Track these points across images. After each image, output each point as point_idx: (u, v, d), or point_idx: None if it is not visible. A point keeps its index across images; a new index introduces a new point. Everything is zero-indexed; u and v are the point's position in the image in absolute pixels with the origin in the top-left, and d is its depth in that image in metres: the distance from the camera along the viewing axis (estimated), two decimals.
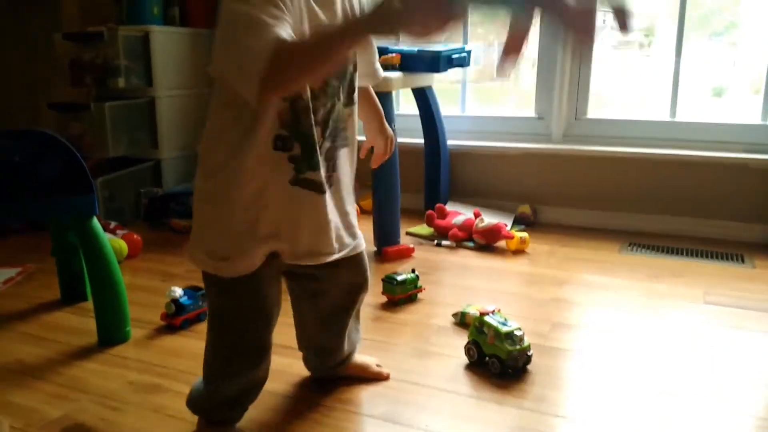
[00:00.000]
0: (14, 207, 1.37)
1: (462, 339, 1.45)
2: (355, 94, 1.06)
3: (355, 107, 1.07)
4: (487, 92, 3.09)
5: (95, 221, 1.48)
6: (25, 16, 3.32)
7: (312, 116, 0.96)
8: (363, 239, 1.15)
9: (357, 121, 1.10)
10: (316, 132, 0.97)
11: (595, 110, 2.54)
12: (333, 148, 1.03)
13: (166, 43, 2.68)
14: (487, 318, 1.35)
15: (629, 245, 2.24)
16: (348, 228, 1.10)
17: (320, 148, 0.99)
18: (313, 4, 0.93)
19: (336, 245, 1.07)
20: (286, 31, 0.82)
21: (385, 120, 1.24)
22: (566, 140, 2.54)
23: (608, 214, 2.45)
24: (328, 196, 1.02)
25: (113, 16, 2.81)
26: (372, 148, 1.26)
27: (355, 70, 1.05)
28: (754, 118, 2.33)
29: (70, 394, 1.29)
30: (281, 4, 0.84)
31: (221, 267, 0.99)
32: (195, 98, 2.84)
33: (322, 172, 1.00)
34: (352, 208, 1.11)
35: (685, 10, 2.35)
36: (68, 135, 2.64)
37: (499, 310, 1.41)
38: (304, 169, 0.98)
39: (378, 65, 1.16)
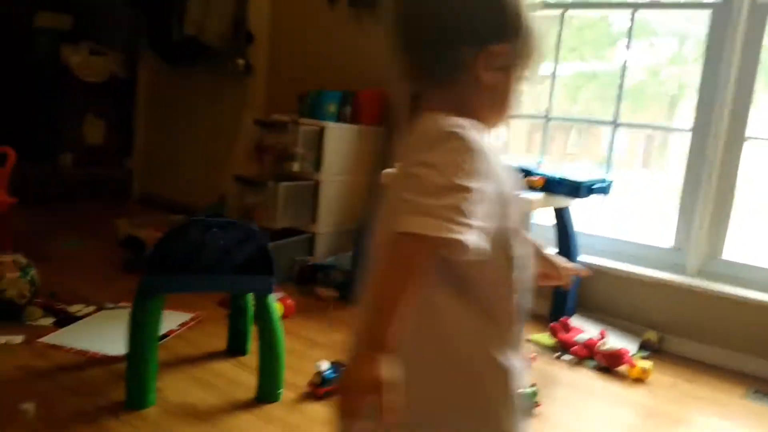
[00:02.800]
0: (217, 280, 1.73)
1: None
2: None
3: None
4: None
5: (271, 296, 1.79)
6: (219, 99, 3.94)
7: None
8: None
9: None
10: None
11: (733, 251, 2.57)
12: None
13: (337, 136, 3.08)
14: None
15: (755, 392, 2.22)
16: None
17: None
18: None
19: None
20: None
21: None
22: (701, 276, 2.57)
23: (737, 355, 2.43)
24: None
25: (295, 109, 3.27)
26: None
27: None
28: None
29: None
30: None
31: None
32: (352, 184, 3.21)
33: None
34: None
35: None
36: (244, 205, 3.08)
37: None
38: None
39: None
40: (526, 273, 0.89)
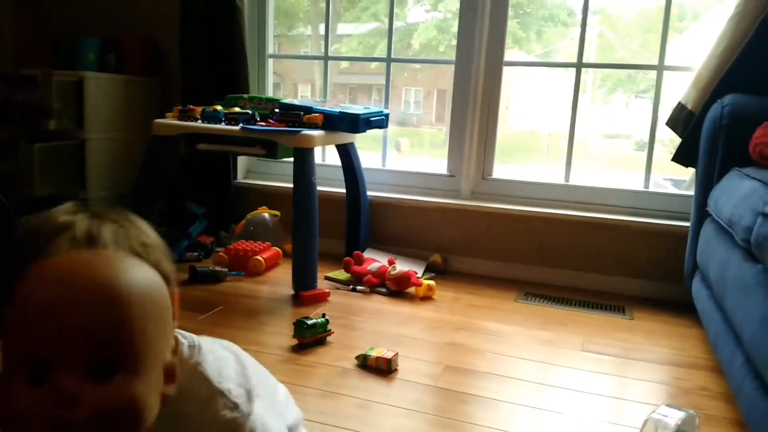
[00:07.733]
0: None
1: (363, 380, 1.61)
2: None
3: None
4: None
5: None
6: None
7: None
8: None
9: None
10: None
11: (502, 170, 2.81)
12: None
13: (100, 88, 2.78)
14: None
15: (525, 294, 2.47)
16: None
17: None
18: None
19: None
20: None
21: None
22: (474, 197, 2.78)
23: (509, 265, 2.69)
24: None
25: (49, 60, 2.90)
26: None
27: None
28: (638, 185, 2.64)
29: None
30: None
31: None
32: (125, 141, 2.94)
33: None
34: None
35: (580, 79, 2.66)
36: None
37: (397, 354, 1.58)
38: None
39: None
40: None
